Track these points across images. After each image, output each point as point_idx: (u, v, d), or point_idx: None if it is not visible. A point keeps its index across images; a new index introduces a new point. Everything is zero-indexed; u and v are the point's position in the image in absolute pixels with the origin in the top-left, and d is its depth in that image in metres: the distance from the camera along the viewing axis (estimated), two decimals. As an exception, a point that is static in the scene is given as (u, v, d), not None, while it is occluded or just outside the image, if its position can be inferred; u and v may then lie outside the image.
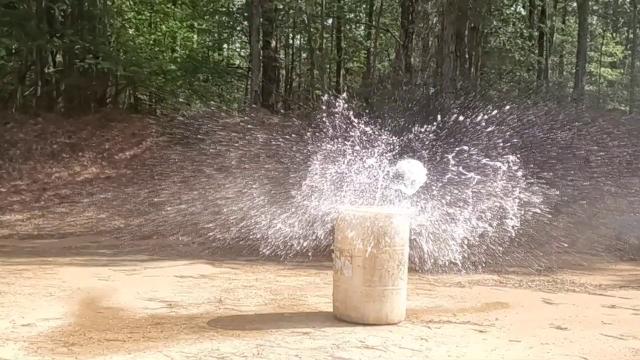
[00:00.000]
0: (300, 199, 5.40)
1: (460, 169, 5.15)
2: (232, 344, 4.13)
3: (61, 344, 4.08)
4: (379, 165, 5.08)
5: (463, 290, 6.16)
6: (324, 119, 5.60)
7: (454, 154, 5.17)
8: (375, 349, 4.09)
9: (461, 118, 5.66)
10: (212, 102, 16.94)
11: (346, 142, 5.23)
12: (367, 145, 5.18)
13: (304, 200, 5.31)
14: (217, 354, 3.91)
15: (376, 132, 5.21)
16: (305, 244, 5.55)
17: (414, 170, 4.92)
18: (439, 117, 5.61)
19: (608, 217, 9.81)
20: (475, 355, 4.05)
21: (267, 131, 11.10)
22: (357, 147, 5.18)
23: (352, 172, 5.14)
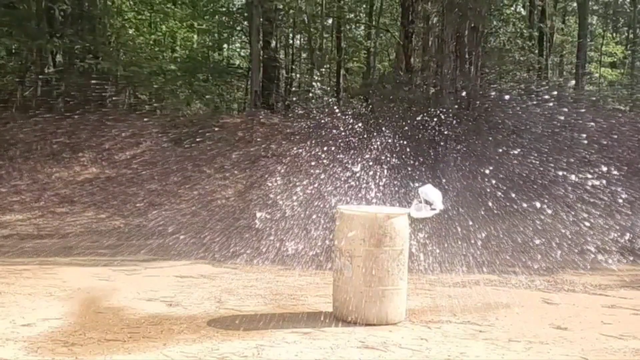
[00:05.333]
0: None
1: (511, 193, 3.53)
2: (232, 344, 4.13)
3: (61, 344, 4.08)
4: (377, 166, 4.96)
5: (463, 290, 6.16)
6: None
7: (491, 167, 3.56)
8: (375, 349, 4.09)
9: (507, 97, 4.21)
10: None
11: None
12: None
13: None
14: (217, 354, 3.91)
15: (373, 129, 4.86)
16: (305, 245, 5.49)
17: (431, 197, 4.71)
18: (463, 92, 4.42)
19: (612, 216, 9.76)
20: (475, 355, 4.05)
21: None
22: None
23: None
